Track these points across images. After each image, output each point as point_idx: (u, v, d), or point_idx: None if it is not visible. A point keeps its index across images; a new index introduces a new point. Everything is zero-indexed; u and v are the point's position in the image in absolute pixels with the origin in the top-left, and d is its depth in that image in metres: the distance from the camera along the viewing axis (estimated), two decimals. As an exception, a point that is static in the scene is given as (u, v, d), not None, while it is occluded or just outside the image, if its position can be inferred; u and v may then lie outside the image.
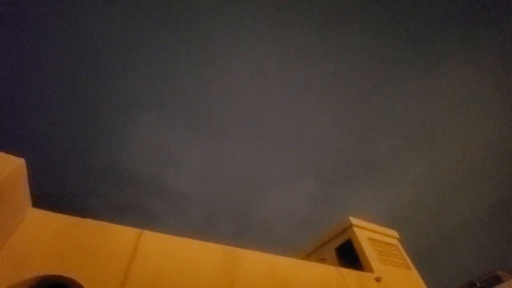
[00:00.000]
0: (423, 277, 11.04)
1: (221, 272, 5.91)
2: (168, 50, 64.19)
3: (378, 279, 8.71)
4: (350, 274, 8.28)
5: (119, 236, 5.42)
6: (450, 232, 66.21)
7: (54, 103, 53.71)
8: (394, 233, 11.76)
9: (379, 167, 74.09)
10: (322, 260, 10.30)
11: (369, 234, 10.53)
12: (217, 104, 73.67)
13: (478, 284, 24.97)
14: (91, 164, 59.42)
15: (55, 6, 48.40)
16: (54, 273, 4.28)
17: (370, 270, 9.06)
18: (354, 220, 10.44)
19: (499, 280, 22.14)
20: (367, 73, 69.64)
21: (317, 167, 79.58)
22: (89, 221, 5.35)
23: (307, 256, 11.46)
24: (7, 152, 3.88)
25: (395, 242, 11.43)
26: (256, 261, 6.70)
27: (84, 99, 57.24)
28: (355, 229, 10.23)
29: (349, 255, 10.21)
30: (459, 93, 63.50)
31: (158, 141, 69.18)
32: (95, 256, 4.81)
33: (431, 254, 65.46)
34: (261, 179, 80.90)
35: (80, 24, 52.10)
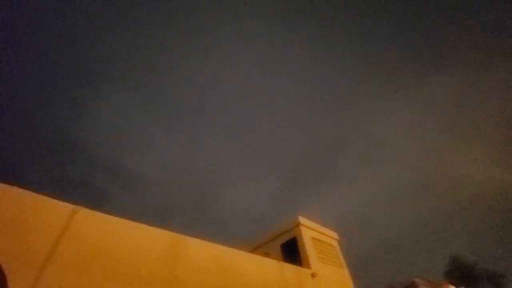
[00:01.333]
0: (355, 276, 12.33)
1: (164, 257, 5.78)
2: (151, 33, 59.16)
3: (313, 275, 9.47)
4: (289, 268, 8.83)
5: (51, 211, 4.90)
6: (384, 242, 75.04)
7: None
8: (335, 234, 12.86)
9: (336, 176, 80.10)
10: (267, 254, 10.76)
11: (313, 234, 11.33)
12: (191, 94, 70.81)
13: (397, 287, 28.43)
14: (37, 128, 51.98)
15: None
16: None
17: (308, 266, 9.78)
18: (301, 219, 11.12)
19: (415, 286, 25.87)
20: (343, 88, 74.02)
21: (281, 168, 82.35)
22: (17, 189, 4.72)
23: (254, 250, 11.86)
24: None
25: (335, 243, 12.53)
26: (202, 250, 6.70)
27: (42, 60, 49.55)
28: (301, 228, 10.91)
29: (293, 252, 10.86)
30: (412, 123, 71.64)
31: (121, 118, 63.70)
32: (19, 228, 4.28)
33: (365, 259, 73.25)
34: (226, 173, 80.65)
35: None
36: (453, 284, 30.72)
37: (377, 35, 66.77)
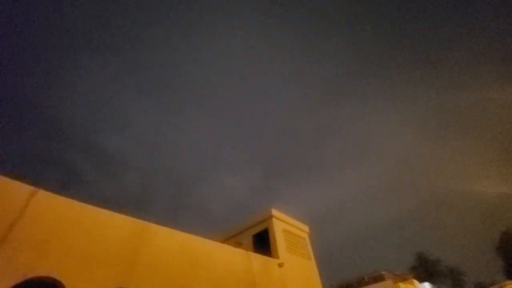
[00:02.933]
0: (324, 268, 12.96)
1: (126, 241, 5.84)
2: (138, 5, 56.05)
3: (280, 265, 9.88)
4: (257, 258, 9.16)
5: (9, 191, 4.80)
6: (356, 235, 78.57)
7: None
8: (306, 227, 13.38)
9: (317, 169, 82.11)
10: (239, 245, 11.04)
11: (284, 226, 11.74)
12: (180, 73, 68.69)
13: (366, 279, 30.15)
14: (11, 105, 48.80)
15: None
16: None
17: (277, 256, 10.18)
18: (274, 212, 11.46)
19: (382, 278, 27.57)
20: (331, 84, 74.92)
21: (265, 159, 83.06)
22: (-31, 169, 4.57)
23: (226, 239, 12.13)
24: None
25: (305, 235, 13.05)
26: (166, 237, 6.80)
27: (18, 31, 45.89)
28: (274, 220, 11.25)
29: (263, 243, 11.22)
30: (396, 124, 74.07)
31: (102, 95, 60.90)
32: (-34, 209, 4.17)
33: (336, 251, 76.57)
34: (210, 159, 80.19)
35: None
36: (417, 279, 33.03)
37: (370, 32, 67.47)
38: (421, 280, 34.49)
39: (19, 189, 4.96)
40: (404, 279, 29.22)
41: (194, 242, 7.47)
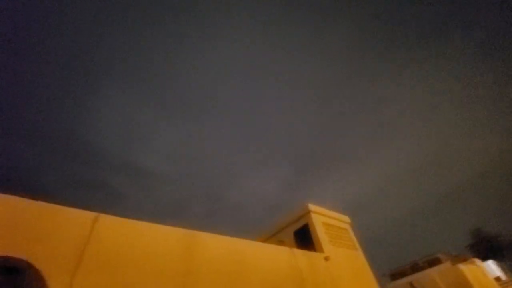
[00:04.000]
0: (372, 257, 12.57)
1: (179, 255, 6.28)
2: (147, 28, 59.32)
3: (326, 258, 9.81)
4: (302, 254, 9.20)
5: (74, 219, 5.45)
6: (400, 219, 74.10)
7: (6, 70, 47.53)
8: (346, 218, 13.07)
9: (346, 158, 79.09)
10: (281, 242, 11.19)
11: (324, 219, 11.60)
12: (195, 86, 71.07)
13: (421, 264, 28.48)
14: (50, 137, 54.85)
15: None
16: (7, 254, 4.29)
17: (321, 250, 10.12)
18: (311, 207, 11.38)
19: (439, 261, 25.79)
20: (346, 65, 71.66)
21: (292, 155, 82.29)
22: (42, 203, 5.29)
23: (268, 239, 12.35)
24: None
25: (347, 226, 12.75)
26: (214, 244, 7.16)
27: (44, 65, 51.33)
28: (312, 214, 11.19)
29: (305, 238, 11.22)
30: (418, 98, 68.47)
31: (126, 118, 65.51)
32: (47, 239, 4.84)
33: (382, 238, 73.06)
34: (237, 163, 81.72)
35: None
36: (478, 257, 30.20)
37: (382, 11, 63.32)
38: (484, 258, 31.52)
39: (83, 217, 5.61)
40: (463, 260, 26.94)
41: (240, 245, 7.75)
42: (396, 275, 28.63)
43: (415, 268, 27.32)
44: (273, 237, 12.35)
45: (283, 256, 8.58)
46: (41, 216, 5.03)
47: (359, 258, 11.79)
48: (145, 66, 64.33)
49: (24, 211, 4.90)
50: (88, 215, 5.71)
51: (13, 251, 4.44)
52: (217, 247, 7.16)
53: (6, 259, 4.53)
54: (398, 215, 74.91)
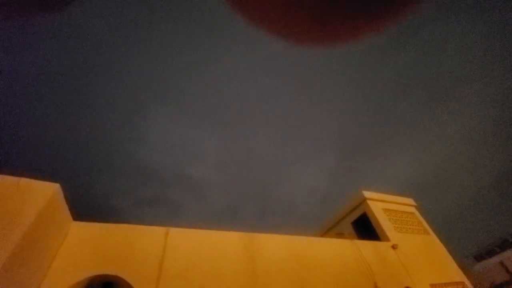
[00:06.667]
0: (448, 240, 11.28)
1: (242, 257, 6.58)
2: (175, 46, 63.71)
3: (394, 247, 9.11)
4: (365, 245, 8.73)
5: (149, 235, 6.17)
6: (477, 195, 63.93)
7: (61, 107, 55.90)
8: (411, 201, 11.90)
9: (399, 132, 71.51)
10: (340, 235, 10.81)
11: (384, 205, 10.79)
12: (228, 93, 73.44)
13: (511, 240, 24.62)
14: (113, 165, 63.15)
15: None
16: (102, 273, 5.09)
17: (386, 239, 9.44)
18: (367, 194, 10.70)
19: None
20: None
21: (335, 141, 78.44)
22: (122, 225, 6.12)
23: (326, 233, 12.04)
24: (41, 179, 4.54)
25: (412, 209, 11.61)
26: (274, 244, 7.30)
27: (92, 100, 59.04)
28: (369, 202, 10.52)
29: (366, 227, 10.62)
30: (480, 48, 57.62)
31: (172, 134, 71.27)
32: (132, 255, 5.58)
33: (458, 218, 64.30)
34: (280, 160, 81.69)
35: (81, 21, 52.34)
36: None
37: None
38: None
39: (156, 232, 6.31)
40: None
41: (298, 242, 7.74)
42: (481, 256, 25.00)
43: (505, 245, 23.47)
44: (330, 230, 12.00)
45: (346, 249, 8.27)
46: (124, 236, 5.83)
47: (433, 243, 10.64)
48: (182, 82, 68.94)
49: (110, 234, 5.75)
50: (160, 230, 6.41)
51: (107, 269, 5.26)
52: (276, 246, 7.28)
53: (103, 276, 5.40)
54: (474, 190, 64.94)
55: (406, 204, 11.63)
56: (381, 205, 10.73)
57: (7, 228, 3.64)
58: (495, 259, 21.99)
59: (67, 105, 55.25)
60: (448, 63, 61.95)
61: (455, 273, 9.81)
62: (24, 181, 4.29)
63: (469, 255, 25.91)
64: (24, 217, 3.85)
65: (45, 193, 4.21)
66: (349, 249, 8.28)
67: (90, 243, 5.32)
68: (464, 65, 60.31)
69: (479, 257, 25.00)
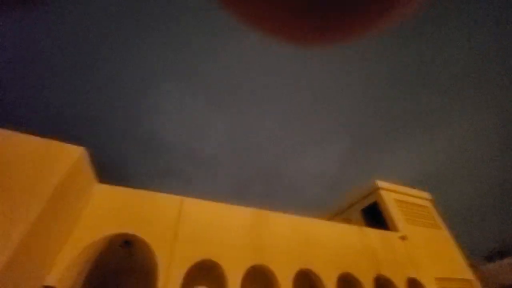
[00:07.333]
0: (461, 237, 11.05)
1: (250, 231, 6.86)
2: (191, 25, 62.38)
3: (403, 238, 9.07)
4: (373, 233, 8.75)
5: (166, 202, 6.53)
6: (493, 190, 60.57)
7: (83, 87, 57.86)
8: (425, 194, 11.57)
9: (419, 122, 67.76)
10: (347, 221, 10.87)
11: (396, 196, 10.59)
12: (240, 73, 72.00)
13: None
14: (129, 135, 65.92)
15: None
16: (122, 231, 5.54)
17: (395, 229, 9.39)
18: (381, 184, 10.51)
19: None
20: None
21: (351, 126, 75.98)
22: (141, 191, 6.51)
23: (333, 217, 12.14)
24: (67, 142, 4.83)
25: (426, 203, 11.33)
26: (281, 222, 7.50)
27: (111, 70, 60.24)
28: (381, 192, 10.36)
29: (374, 217, 10.58)
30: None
31: (186, 110, 72.37)
32: (149, 218, 5.99)
33: (473, 214, 62.01)
34: (291, 143, 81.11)
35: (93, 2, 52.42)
36: None
37: None
38: None
39: (172, 199, 6.66)
40: None
41: (305, 223, 7.90)
42: (492, 256, 24.40)
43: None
44: (338, 215, 12.09)
45: (353, 235, 8.36)
46: (143, 201, 6.22)
47: (444, 238, 10.46)
48: (195, 61, 68.36)
49: (130, 198, 6.14)
50: (176, 198, 6.75)
51: (128, 229, 5.70)
52: (283, 225, 7.48)
53: (124, 235, 5.88)
54: (489, 186, 61.64)
55: (420, 197, 11.35)
56: (394, 195, 10.55)
57: (38, 185, 3.98)
58: (506, 261, 21.43)
59: (89, 76, 57.05)
60: (465, 55, 56.26)
61: (463, 270, 9.71)
62: (54, 143, 4.59)
63: (481, 255, 25.37)
64: (54, 176, 4.17)
65: (73, 155, 4.50)
66: (356, 235, 8.35)
67: (113, 205, 5.74)
68: (480, 56, 54.50)
69: (490, 258, 24.44)
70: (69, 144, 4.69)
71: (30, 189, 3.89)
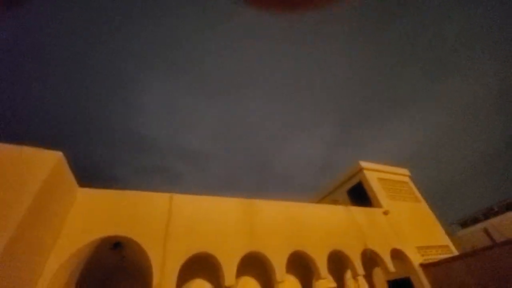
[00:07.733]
0: (438, 208, 11.88)
1: (242, 220, 6.99)
2: (169, 9, 59.34)
3: (385, 213, 9.65)
4: (359, 211, 9.23)
5: (155, 201, 6.46)
6: (470, 166, 65.45)
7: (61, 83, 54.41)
8: (405, 171, 12.28)
9: (398, 103, 70.72)
10: (335, 202, 11.34)
11: (379, 175, 11.15)
12: (224, 62, 70.41)
13: (496, 209, 25.84)
14: (111, 135, 63.34)
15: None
16: (111, 234, 5.44)
17: (379, 206, 9.94)
18: (364, 164, 10.99)
19: (515, 206, 22.80)
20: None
21: (334, 111, 77.61)
22: (128, 191, 6.37)
23: (321, 200, 12.61)
24: (43, 147, 4.57)
25: (406, 179, 12.04)
26: (270, 208, 7.70)
27: (86, 73, 57.05)
28: (365, 172, 10.85)
29: (360, 196, 11.11)
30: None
31: (168, 103, 70.28)
32: (139, 219, 5.91)
33: (451, 188, 66.70)
34: (278, 130, 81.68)
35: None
36: None
37: None
38: None
39: (161, 197, 6.59)
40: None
41: (294, 207, 8.16)
42: (467, 223, 26.57)
43: (490, 213, 24.82)
44: (326, 198, 12.57)
45: (340, 214, 8.76)
46: (130, 202, 6.10)
47: (422, 210, 11.25)
48: (176, 53, 65.77)
49: (117, 199, 6.00)
50: (165, 195, 6.68)
51: (115, 231, 5.60)
52: (273, 210, 7.67)
53: (113, 237, 5.77)
54: (467, 162, 66.43)
55: (400, 174, 12.02)
56: (376, 174, 11.09)
57: (14, 196, 3.77)
58: (479, 226, 23.38)
59: (63, 74, 53.43)
60: (449, 29, 58.69)
61: (441, 238, 10.55)
62: (27, 150, 4.33)
63: (456, 222, 27.53)
64: (31, 185, 3.96)
65: (49, 161, 4.30)
66: (343, 214, 8.76)
67: (98, 208, 5.59)
68: (466, 30, 57.16)
69: (464, 224, 26.60)
70: (45, 150, 4.46)
71: (6, 201, 3.69)
